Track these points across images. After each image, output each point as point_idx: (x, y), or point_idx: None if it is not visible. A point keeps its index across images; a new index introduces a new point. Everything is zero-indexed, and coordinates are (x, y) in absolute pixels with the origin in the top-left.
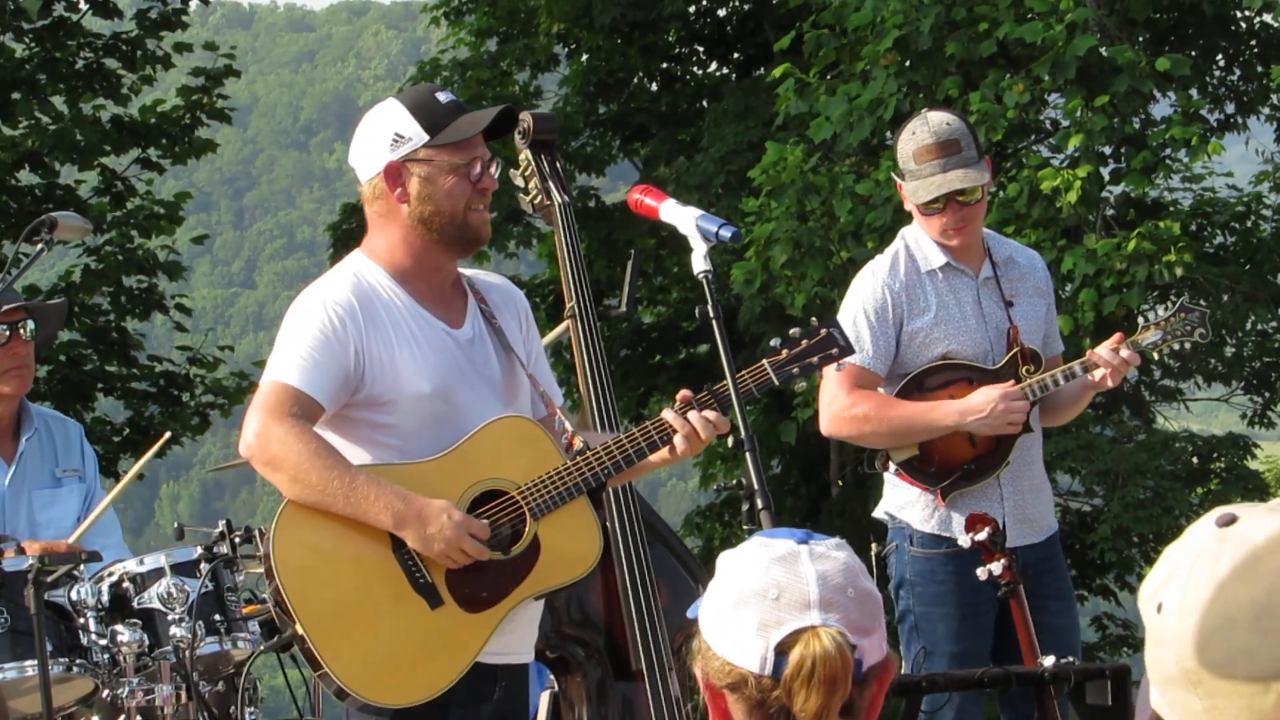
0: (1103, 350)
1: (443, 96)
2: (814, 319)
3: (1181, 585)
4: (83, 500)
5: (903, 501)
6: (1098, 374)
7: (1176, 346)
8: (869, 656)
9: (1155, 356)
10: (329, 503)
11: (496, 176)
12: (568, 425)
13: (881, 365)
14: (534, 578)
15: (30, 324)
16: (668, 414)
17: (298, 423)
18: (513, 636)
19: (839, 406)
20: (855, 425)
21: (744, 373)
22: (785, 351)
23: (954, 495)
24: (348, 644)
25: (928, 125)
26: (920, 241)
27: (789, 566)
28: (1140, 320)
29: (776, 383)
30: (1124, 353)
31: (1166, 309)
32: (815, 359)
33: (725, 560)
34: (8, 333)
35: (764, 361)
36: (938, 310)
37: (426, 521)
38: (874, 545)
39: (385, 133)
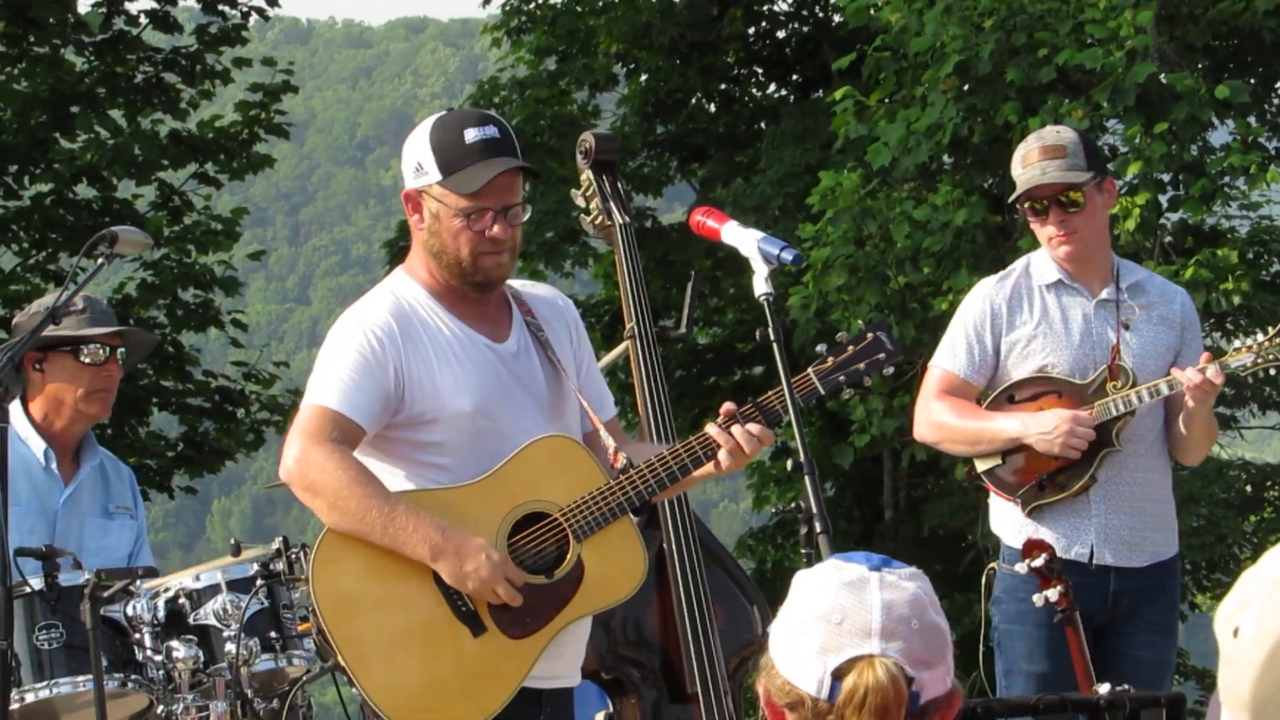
0: (1189, 371)
1: (471, 134)
2: (860, 322)
3: (1257, 613)
4: (134, 539)
5: (997, 515)
6: (1175, 387)
7: (1272, 370)
8: (929, 690)
9: (1250, 380)
10: (367, 531)
11: (523, 219)
12: (610, 441)
13: (977, 375)
14: (578, 601)
15: (122, 351)
16: (711, 428)
17: (338, 448)
18: (559, 660)
19: (924, 413)
20: (934, 431)
21: (790, 382)
22: (830, 359)
23: (1042, 510)
24: (388, 673)
25: (1040, 134)
26: (1040, 259)
27: (856, 593)
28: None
29: (823, 391)
30: (1209, 372)
31: (1265, 333)
32: (862, 365)
33: (799, 580)
34: (104, 355)
35: (809, 370)
36: (1039, 324)
37: (464, 558)
38: (990, 565)
39: (412, 158)
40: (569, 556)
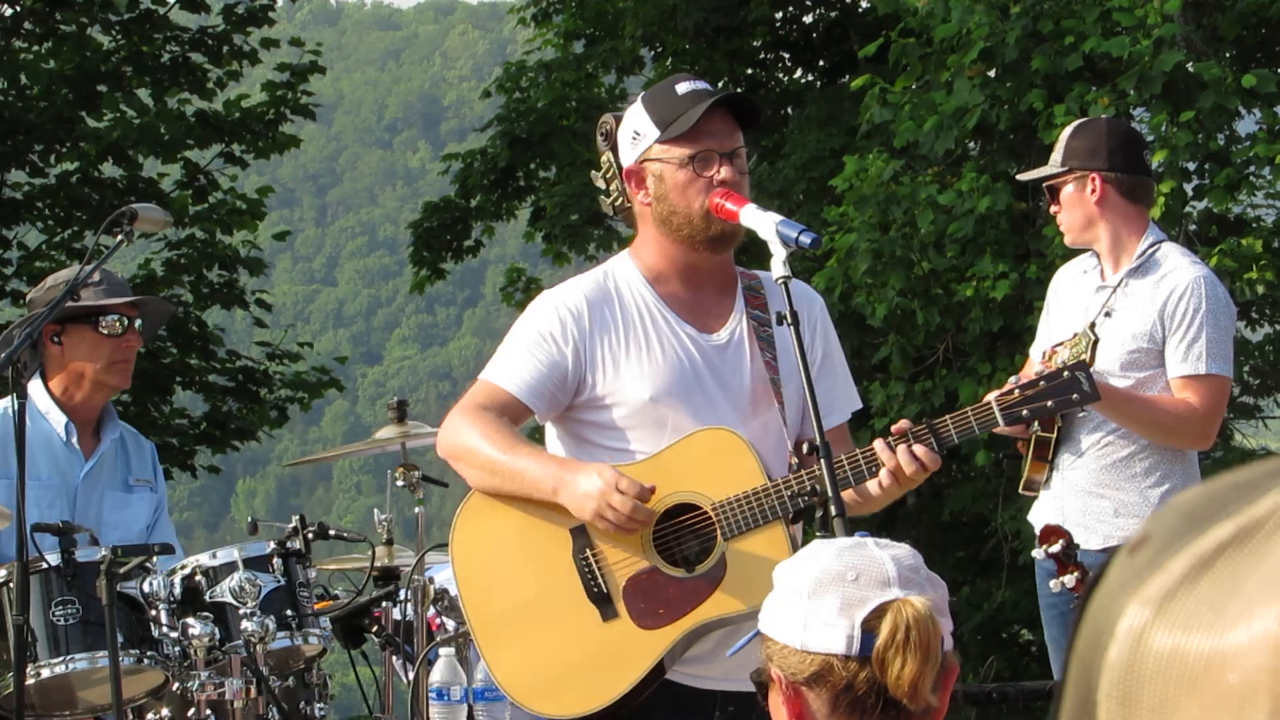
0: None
1: (683, 87)
2: (1064, 364)
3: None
4: (153, 511)
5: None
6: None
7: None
8: (945, 641)
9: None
10: (497, 482)
11: (747, 170)
12: (788, 447)
13: (1036, 353)
14: (715, 600)
15: (139, 322)
16: (878, 444)
17: (480, 412)
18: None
19: None
20: None
21: (967, 409)
22: (1018, 391)
23: (1039, 490)
24: (513, 648)
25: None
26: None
27: (860, 551)
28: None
29: (1001, 423)
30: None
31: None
32: (1050, 403)
33: (785, 566)
34: (122, 326)
35: (990, 398)
36: (1058, 308)
37: (579, 482)
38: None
39: (629, 132)
40: (713, 553)
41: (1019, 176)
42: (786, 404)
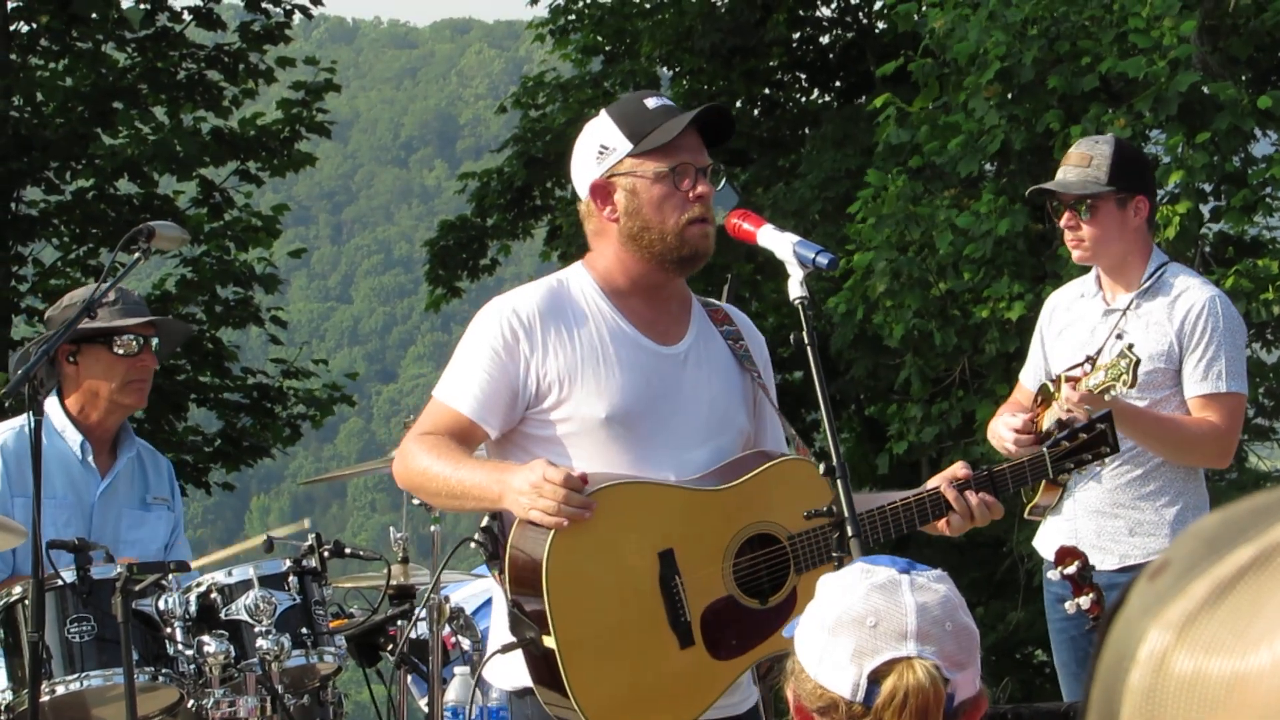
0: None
1: (651, 102)
2: (1093, 416)
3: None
4: (170, 529)
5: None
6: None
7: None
8: (961, 691)
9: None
10: (456, 502)
11: (720, 187)
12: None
13: (1029, 380)
14: (781, 635)
15: (155, 341)
16: (947, 490)
17: (424, 437)
18: (739, 688)
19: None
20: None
21: (1023, 460)
22: (1065, 444)
23: (1046, 515)
24: (595, 670)
25: (1083, 140)
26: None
27: (889, 595)
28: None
29: (1051, 475)
30: (1064, 394)
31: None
32: (1088, 456)
33: (825, 584)
34: (138, 345)
35: (1044, 451)
36: (1060, 334)
37: (513, 480)
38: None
39: (592, 146)
40: (785, 586)
41: (1051, 186)
42: (744, 415)
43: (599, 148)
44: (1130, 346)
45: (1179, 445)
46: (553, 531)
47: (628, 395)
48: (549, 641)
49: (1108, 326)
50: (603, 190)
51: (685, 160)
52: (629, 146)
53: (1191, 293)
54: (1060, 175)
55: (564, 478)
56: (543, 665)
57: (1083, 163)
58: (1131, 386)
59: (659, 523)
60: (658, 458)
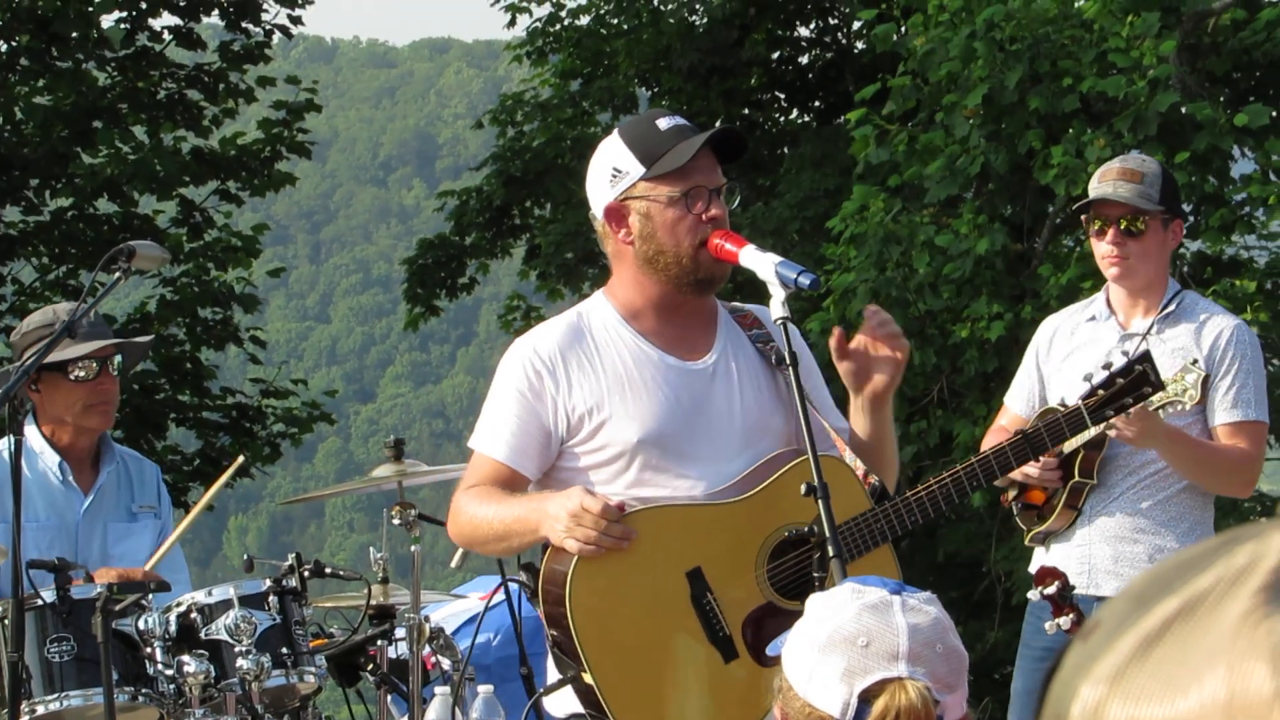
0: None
1: (664, 123)
2: (1126, 353)
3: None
4: (157, 537)
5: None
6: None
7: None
8: (950, 713)
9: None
10: (508, 543)
11: (735, 204)
12: (858, 462)
13: (1019, 404)
14: None
15: (118, 359)
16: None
17: (469, 489)
18: None
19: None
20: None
21: (1060, 414)
22: (1101, 392)
23: (1047, 540)
24: (639, 698)
25: (1125, 157)
26: (1103, 292)
27: (881, 616)
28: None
29: (1091, 426)
30: (1118, 420)
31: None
32: (1130, 399)
33: (815, 603)
34: (97, 368)
35: (1078, 403)
36: (1067, 358)
37: (549, 507)
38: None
39: (606, 169)
40: (827, 583)
41: (1107, 197)
42: (781, 421)
43: (612, 170)
44: (1195, 361)
45: (1216, 471)
46: (572, 568)
47: (659, 416)
48: (588, 677)
49: (1125, 351)
50: (617, 214)
51: (699, 183)
52: (642, 170)
53: (1218, 319)
54: (1109, 190)
55: (602, 507)
56: (593, 693)
57: (1134, 179)
58: (1199, 403)
59: (683, 543)
60: (695, 473)
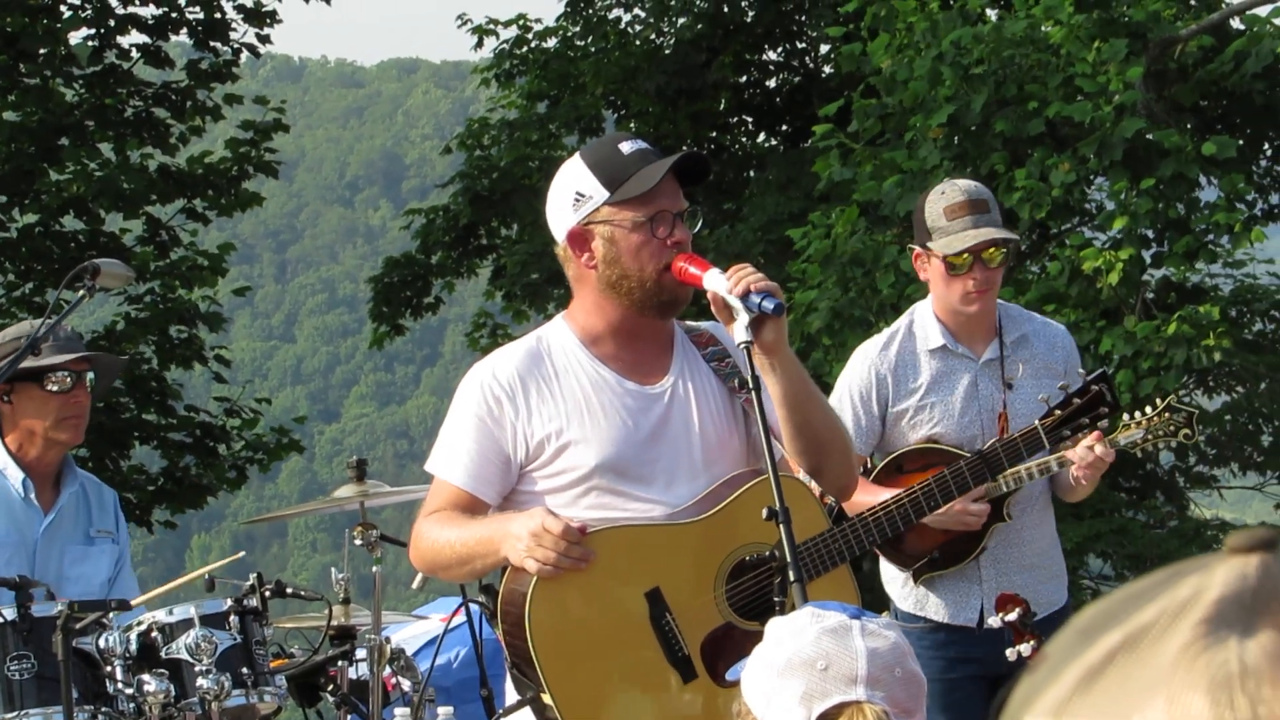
0: (1079, 449)
1: (627, 147)
2: (1082, 371)
3: None
4: (114, 562)
5: (888, 577)
6: (1066, 464)
7: (1160, 446)
8: None
9: (1137, 454)
10: (471, 567)
11: (696, 228)
12: (812, 483)
13: (862, 444)
14: None
15: (91, 375)
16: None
17: (430, 516)
18: None
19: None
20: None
21: (1016, 435)
22: (1057, 411)
23: (932, 578)
24: (597, 717)
25: (957, 186)
26: (925, 320)
27: (840, 640)
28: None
29: (1048, 447)
30: (1098, 450)
31: (1154, 408)
32: (1086, 420)
33: (774, 627)
34: (71, 381)
35: (1036, 424)
36: (927, 392)
37: (510, 528)
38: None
39: (568, 193)
40: (787, 604)
41: (994, 238)
42: (740, 439)
43: (575, 195)
44: (1185, 401)
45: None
46: (531, 589)
47: (617, 441)
48: (546, 698)
49: (990, 377)
50: (580, 239)
51: (664, 207)
52: (606, 195)
53: (1051, 326)
54: (968, 223)
55: (563, 529)
56: (552, 714)
57: (986, 209)
58: (1191, 440)
59: (642, 563)
60: (654, 496)
